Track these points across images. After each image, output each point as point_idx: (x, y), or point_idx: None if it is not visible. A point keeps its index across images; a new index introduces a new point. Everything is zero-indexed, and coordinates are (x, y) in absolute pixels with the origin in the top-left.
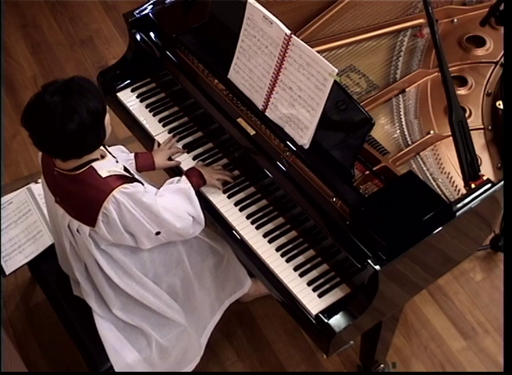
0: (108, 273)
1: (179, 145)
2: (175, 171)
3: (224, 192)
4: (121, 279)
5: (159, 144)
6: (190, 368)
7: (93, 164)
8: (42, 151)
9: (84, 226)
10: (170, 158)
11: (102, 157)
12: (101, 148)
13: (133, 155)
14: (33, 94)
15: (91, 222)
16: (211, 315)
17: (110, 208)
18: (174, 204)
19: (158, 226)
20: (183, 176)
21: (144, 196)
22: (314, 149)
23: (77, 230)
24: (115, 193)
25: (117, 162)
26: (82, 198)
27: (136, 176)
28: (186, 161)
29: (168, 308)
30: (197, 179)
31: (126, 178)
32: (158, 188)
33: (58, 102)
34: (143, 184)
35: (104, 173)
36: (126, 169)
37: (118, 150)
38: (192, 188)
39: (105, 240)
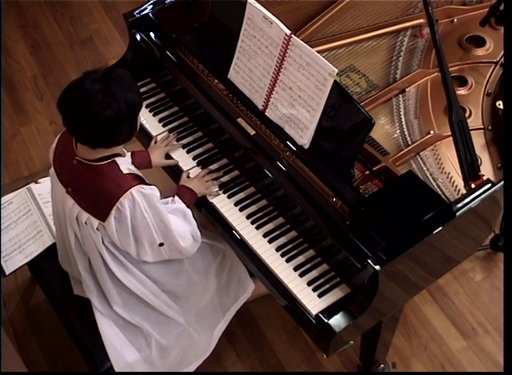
0: (112, 268)
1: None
2: (174, 170)
3: (224, 192)
4: (123, 274)
5: (156, 142)
6: (191, 368)
7: (116, 159)
8: (74, 135)
9: (93, 219)
10: (168, 157)
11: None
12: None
13: (129, 154)
14: (74, 81)
15: (103, 216)
16: (216, 320)
17: (125, 204)
18: (175, 223)
19: (163, 237)
20: (176, 197)
21: (158, 202)
22: (314, 149)
23: (85, 223)
24: (133, 190)
25: (133, 163)
26: (99, 190)
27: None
28: (186, 161)
29: (167, 307)
30: (188, 197)
31: (143, 180)
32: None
33: (99, 90)
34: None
35: (125, 170)
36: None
37: None
38: (186, 207)
39: (110, 238)
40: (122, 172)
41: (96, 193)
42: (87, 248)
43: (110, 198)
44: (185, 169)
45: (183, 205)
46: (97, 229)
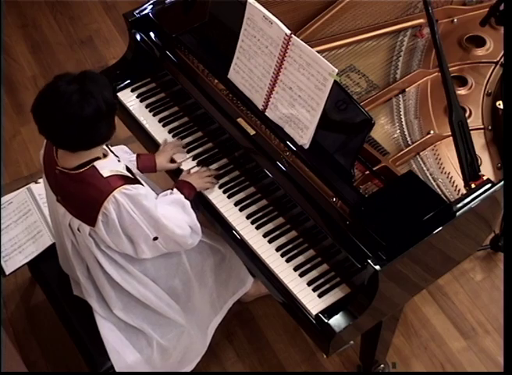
0: (109, 272)
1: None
2: (174, 171)
3: (224, 192)
4: (122, 277)
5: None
6: (190, 367)
7: (95, 163)
8: (52, 141)
9: (85, 225)
10: (172, 161)
11: (105, 156)
12: (104, 146)
13: (135, 156)
14: (46, 86)
15: (91, 221)
16: (213, 314)
17: (110, 208)
18: (172, 214)
19: (156, 231)
20: (175, 189)
21: (145, 199)
22: (314, 149)
23: (78, 229)
24: (116, 193)
25: (119, 161)
26: (83, 197)
27: (138, 178)
28: (186, 161)
29: (168, 308)
30: (188, 190)
31: (128, 179)
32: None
33: (76, 90)
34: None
35: (106, 173)
36: (128, 169)
37: (120, 150)
38: (185, 198)
39: (105, 242)
40: (102, 176)
41: (80, 200)
42: (83, 254)
43: (94, 203)
44: (185, 169)
45: (182, 196)
46: (89, 235)
